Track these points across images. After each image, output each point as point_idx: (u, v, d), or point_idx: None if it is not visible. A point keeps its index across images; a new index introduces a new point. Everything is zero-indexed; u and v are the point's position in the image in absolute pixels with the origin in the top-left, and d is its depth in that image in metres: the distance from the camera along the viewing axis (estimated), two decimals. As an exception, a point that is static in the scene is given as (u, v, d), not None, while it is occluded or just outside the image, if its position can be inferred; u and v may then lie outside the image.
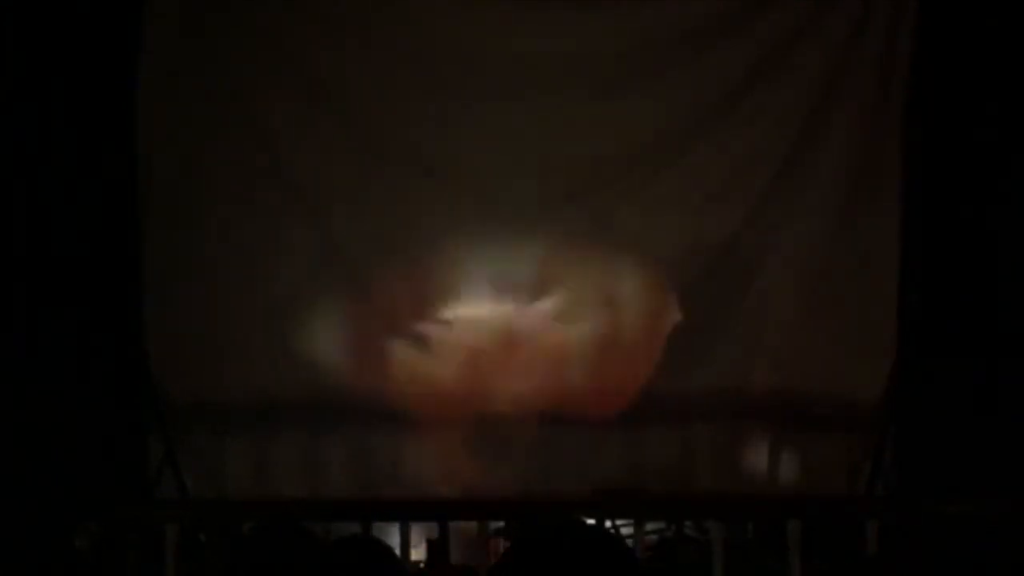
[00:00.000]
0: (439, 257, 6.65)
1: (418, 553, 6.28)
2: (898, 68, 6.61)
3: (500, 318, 6.65)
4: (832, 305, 6.64)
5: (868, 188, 6.66)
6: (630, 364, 6.64)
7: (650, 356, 6.64)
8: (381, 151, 6.59)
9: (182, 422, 6.54)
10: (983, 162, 6.50)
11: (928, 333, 6.54)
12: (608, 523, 6.18)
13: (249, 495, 6.48)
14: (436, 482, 6.61)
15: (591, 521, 5.86)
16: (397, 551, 5.69)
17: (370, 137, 6.59)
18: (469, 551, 6.16)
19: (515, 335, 6.64)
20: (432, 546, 6.25)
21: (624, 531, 6.11)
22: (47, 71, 6.41)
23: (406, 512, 6.02)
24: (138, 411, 6.53)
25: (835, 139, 6.63)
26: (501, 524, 6.14)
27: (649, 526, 6.18)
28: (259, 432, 6.57)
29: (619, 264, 6.65)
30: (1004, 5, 6.50)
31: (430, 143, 6.59)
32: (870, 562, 5.80)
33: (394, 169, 6.59)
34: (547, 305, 6.65)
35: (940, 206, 6.55)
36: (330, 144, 6.59)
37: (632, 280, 6.65)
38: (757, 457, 6.66)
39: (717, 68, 6.59)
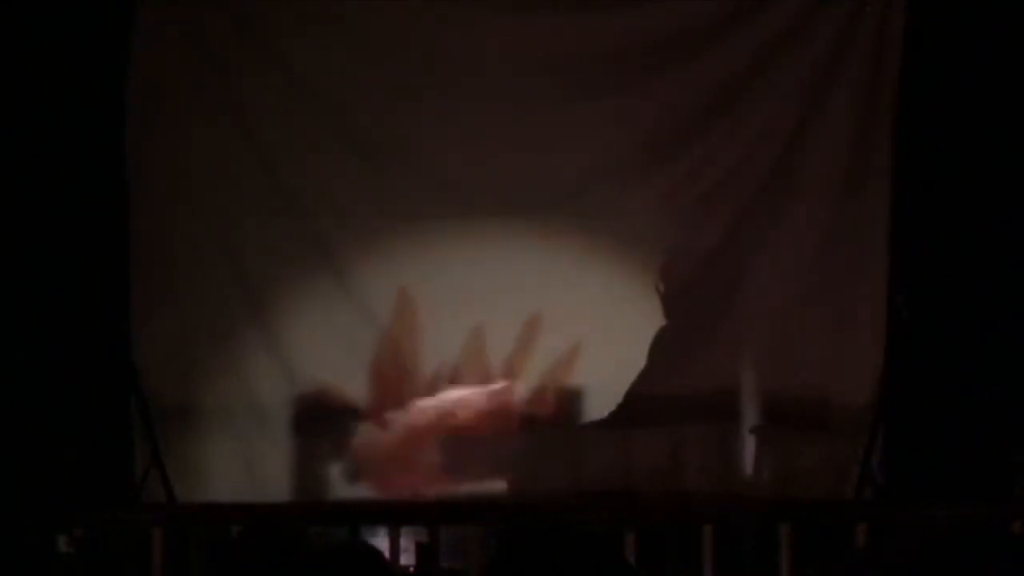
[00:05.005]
0: (428, 259, 6.64)
1: (407, 557, 6.26)
2: (888, 69, 6.59)
3: (486, 323, 6.65)
4: (821, 307, 6.63)
5: (857, 190, 6.65)
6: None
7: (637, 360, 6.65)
8: (373, 154, 6.58)
9: (169, 424, 6.51)
10: (974, 164, 6.50)
11: (917, 336, 6.53)
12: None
13: (236, 499, 6.46)
14: (425, 485, 6.60)
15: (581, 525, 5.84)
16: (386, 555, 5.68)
17: (363, 140, 6.58)
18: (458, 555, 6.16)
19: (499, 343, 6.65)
20: (421, 550, 6.24)
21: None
22: (35, 72, 6.39)
23: (395, 516, 6.00)
24: (124, 413, 6.50)
25: (825, 141, 6.62)
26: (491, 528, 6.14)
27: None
28: (247, 435, 6.55)
29: (612, 265, 6.66)
30: (996, 5, 6.50)
31: (422, 146, 6.57)
32: (858, 565, 5.79)
33: (386, 172, 6.57)
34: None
35: (930, 208, 6.55)
36: (320, 146, 6.57)
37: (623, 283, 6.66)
38: (746, 460, 6.66)
39: (709, 71, 6.59)
